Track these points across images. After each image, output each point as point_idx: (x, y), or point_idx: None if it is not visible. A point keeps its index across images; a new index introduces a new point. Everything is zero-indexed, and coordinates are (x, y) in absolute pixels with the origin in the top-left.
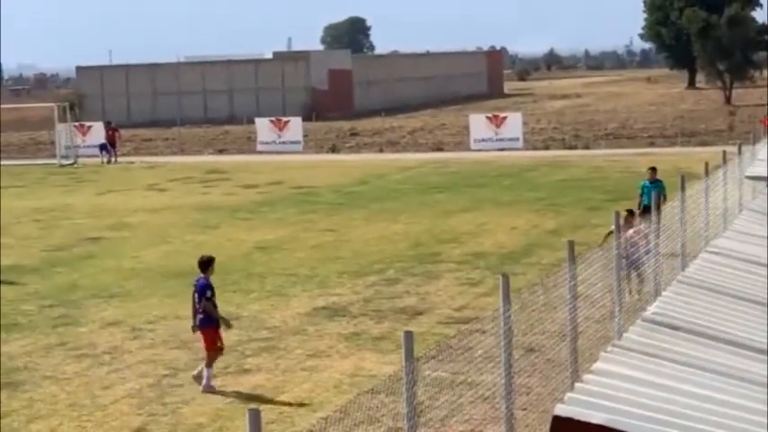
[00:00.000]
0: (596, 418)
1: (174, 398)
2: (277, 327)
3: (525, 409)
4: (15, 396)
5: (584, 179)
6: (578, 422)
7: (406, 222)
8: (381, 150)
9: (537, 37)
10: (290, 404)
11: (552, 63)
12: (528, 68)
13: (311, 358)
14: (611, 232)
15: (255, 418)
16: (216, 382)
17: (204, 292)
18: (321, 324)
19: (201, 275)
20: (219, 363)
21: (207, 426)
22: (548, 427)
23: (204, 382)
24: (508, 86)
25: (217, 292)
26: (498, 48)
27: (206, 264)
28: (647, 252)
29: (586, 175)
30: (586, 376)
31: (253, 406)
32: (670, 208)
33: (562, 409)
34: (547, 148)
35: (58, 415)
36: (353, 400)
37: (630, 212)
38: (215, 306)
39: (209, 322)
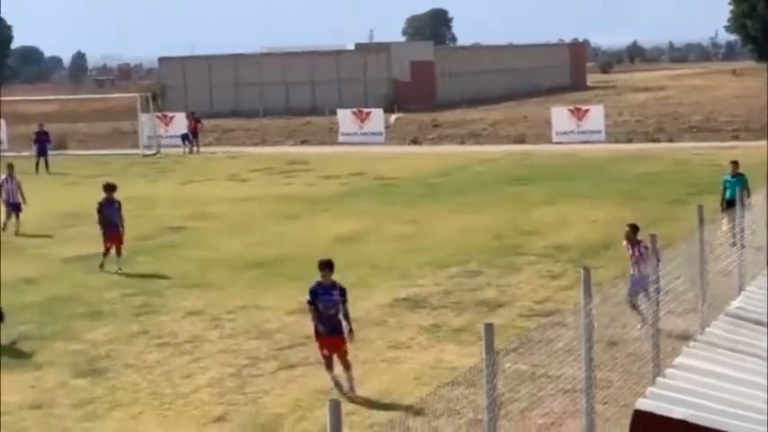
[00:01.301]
0: (678, 413)
1: (253, 387)
2: (358, 318)
3: (606, 403)
4: (98, 383)
5: (667, 172)
6: (660, 417)
7: (488, 214)
8: (463, 142)
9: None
10: (370, 395)
11: (635, 55)
12: (611, 61)
13: (392, 350)
14: None
15: (336, 408)
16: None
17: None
18: (402, 315)
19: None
20: (299, 353)
21: (287, 416)
22: (628, 421)
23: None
24: (591, 79)
25: (298, 283)
26: (581, 40)
27: (321, 267)
28: (652, 283)
29: (669, 168)
30: (668, 371)
31: (333, 397)
32: (755, 201)
33: (643, 404)
34: (629, 140)
35: (140, 403)
36: (434, 392)
37: (634, 228)
38: (316, 311)
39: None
